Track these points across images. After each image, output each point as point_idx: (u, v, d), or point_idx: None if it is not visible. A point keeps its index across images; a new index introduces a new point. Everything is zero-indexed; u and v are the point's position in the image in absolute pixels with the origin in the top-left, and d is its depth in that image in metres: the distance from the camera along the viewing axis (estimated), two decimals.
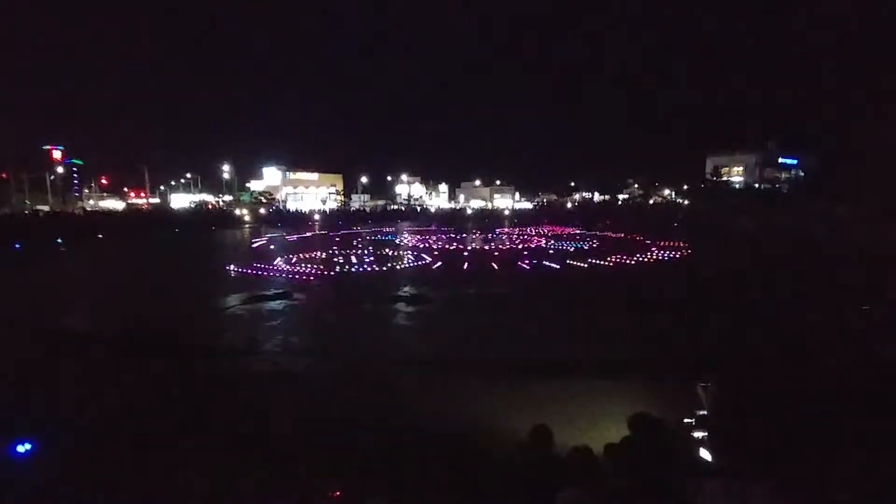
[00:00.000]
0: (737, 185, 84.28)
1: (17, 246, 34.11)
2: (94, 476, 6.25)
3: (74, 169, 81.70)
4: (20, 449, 6.57)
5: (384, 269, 24.52)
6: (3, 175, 67.07)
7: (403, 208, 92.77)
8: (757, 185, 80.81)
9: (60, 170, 77.43)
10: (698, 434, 4.68)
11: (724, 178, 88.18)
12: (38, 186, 71.54)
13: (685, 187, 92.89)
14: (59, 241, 37.53)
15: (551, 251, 31.02)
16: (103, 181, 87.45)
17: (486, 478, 4.57)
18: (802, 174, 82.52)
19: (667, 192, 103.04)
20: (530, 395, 8.83)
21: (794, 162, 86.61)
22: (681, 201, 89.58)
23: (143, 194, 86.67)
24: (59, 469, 6.38)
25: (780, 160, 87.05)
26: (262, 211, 72.39)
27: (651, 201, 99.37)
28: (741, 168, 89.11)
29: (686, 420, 5.11)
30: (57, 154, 78.06)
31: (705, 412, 5.21)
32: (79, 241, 38.23)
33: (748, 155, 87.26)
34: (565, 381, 9.48)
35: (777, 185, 79.80)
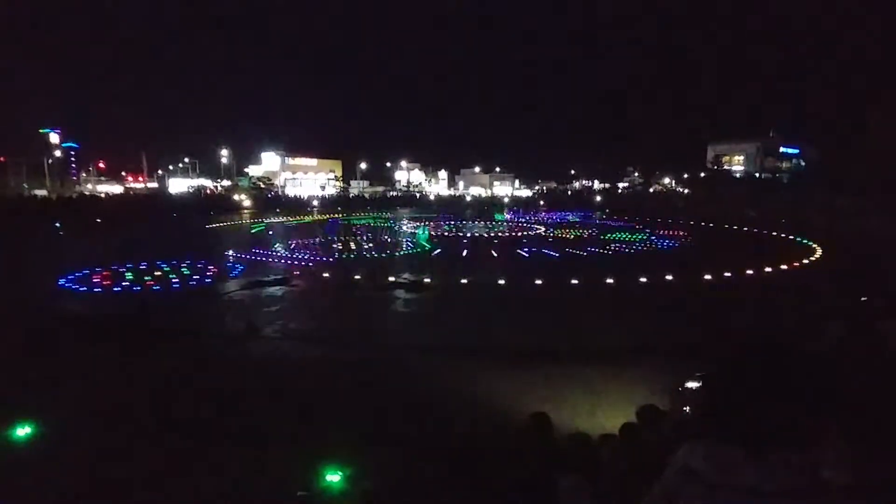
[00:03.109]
0: (737, 174, 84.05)
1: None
2: (97, 461, 6.27)
3: (72, 153, 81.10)
4: (20, 432, 6.58)
5: (383, 255, 24.53)
6: (1, 159, 66.60)
7: (401, 194, 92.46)
8: (758, 175, 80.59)
9: (58, 153, 76.93)
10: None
11: (725, 167, 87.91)
12: (35, 170, 71.10)
13: (685, 176, 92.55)
14: (57, 224, 37.45)
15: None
16: (101, 165, 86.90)
17: (486, 465, 4.59)
18: (804, 164, 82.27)
19: (667, 180, 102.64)
20: (524, 381, 8.86)
21: (796, 151, 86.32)
22: (681, 190, 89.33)
23: (141, 179, 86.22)
24: (61, 453, 6.40)
25: (782, 149, 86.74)
26: (261, 196, 72.10)
27: (651, 189, 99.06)
28: (742, 157, 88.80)
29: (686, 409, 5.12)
30: (54, 138, 77.47)
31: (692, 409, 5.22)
32: (76, 226, 38.13)
33: (749, 144, 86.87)
34: (562, 368, 9.53)
35: (778, 175, 79.55)
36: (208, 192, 78.73)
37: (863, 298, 13.63)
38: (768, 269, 19.57)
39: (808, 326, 11.75)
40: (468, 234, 34.13)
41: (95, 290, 16.48)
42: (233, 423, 7.42)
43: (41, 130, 76.82)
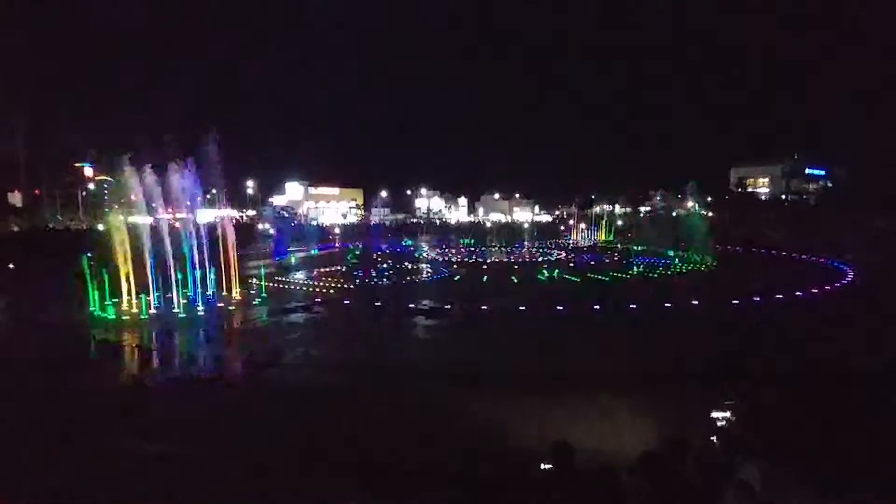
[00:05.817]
0: (763, 197, 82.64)
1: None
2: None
3: (105, 186, 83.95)
4: None
5: (403, 281, 24.53)
6: (37, 192, 69.25)
7: (422, 221, 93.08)
8: (784, 197, 79.14)
9: (91, 186, 79.72)
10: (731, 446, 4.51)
11: (750, 190, 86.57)
12: (70, 203, 73.61)
13: (709, 199, 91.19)
14: (88, 255, 38.46)
15: None
16: (132, 197, 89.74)
17: (507, 496, 4.46)
18: (831, 185, 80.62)
19: (690, 203, 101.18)
20: (545, 408, 8.67)
21: (822, 173, 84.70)
22: (705, 213, 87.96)
23: (169, 209, 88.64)
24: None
25: (808, 171, 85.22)
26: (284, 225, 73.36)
27: (674, 213, 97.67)
28: (767, 179, 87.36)
29: (713, 438, 4.94)
30: (88, 171, 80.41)
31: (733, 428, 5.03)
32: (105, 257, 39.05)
33: (774, 166, 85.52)
34: (581, 395, 9.30)
35: (804, 197, 78.01)
36: (234, 222, 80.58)
37: None
38: (798, 294, 18.99)
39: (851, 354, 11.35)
40: (489, 260, 34.01)
41: (123, 317, 16.82)
42: (246, 450, 7.38)
43: (77, 164, 79.79)
